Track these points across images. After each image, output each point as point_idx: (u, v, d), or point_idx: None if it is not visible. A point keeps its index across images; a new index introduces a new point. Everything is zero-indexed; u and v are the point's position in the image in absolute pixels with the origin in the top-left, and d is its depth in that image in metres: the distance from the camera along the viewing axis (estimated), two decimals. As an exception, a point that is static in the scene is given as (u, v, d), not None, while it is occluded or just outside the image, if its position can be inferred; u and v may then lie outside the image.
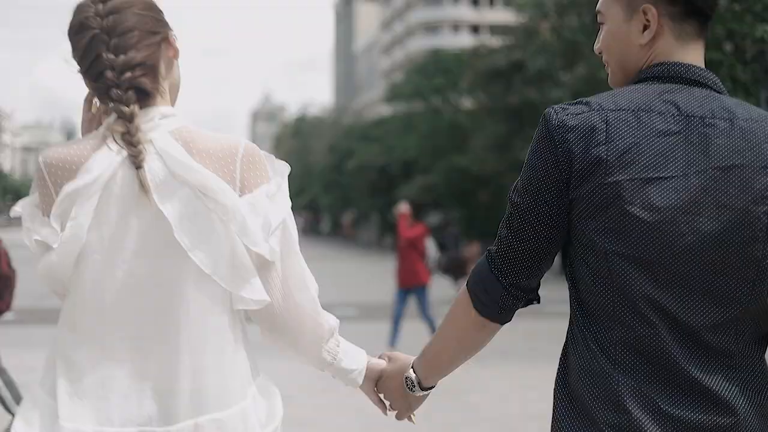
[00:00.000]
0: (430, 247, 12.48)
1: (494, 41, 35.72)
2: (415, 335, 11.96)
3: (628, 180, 1.86)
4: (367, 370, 2.36)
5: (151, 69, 2.04)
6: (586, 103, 1.94)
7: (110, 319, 2.01)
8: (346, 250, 48.79)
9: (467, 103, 42.38)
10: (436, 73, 45.34)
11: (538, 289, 2.07)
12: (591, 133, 1.89)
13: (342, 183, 56.12)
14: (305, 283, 2.16)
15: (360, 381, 2.35)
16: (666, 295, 1.88)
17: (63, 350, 2.04)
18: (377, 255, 43.76)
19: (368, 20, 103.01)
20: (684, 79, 1.98)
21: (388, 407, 2.42)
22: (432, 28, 77.66)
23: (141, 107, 2.03)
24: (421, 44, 72.20)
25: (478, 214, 39.60)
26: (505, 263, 2.01)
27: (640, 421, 1.86)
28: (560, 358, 2.03)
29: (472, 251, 21.35)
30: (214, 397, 2.03)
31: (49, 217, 2.02)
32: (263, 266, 2.07)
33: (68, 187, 2.00)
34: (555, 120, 1.93)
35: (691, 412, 1.87)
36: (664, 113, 1.91)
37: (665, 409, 1.87)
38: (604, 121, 1.90)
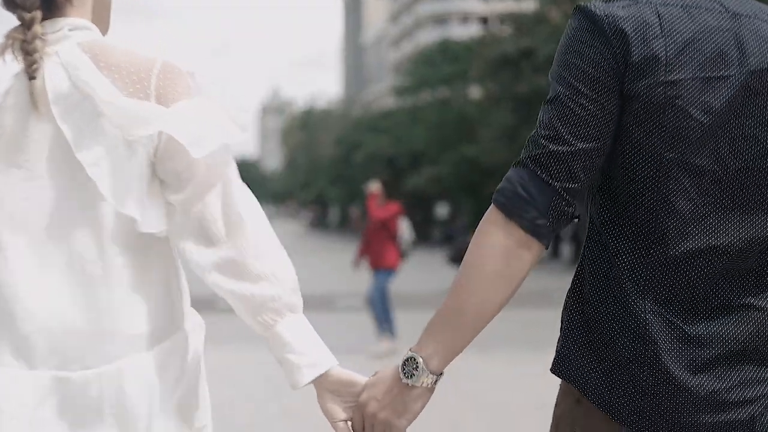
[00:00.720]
0: (404, 227, 11.62)
1: (504, 28, 35.51)
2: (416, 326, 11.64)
3: (689, 79, 1.75)
4: (331, 377, 1.91)
5: None
6: None
7: (9, 250, 1.84)
8: (354, 243, 48.69)
9: (476, 92, 42.30)
10: (444, 62, 45.26)
11: None
12: (645, 25, 1.76)
13: (349, 176, 56.11)
14: (242, 208, 1.89)
15: (307, 378, 1.90)
16: (714, 209, 1.78)
17: None
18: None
19: (377, 13, 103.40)
20: None
21: None
22: (441, 20, 77.92)
23: (49, 17, 1.89)
24: (430, 36, 72.35)
25: (487, 205, 39.22)
26: (557, 163, 1.76)
27: (665, 351, 1.76)
28: (573, 281, 1.88)
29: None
30: (137, 338, 1.86)
31: None
32: (184, 182, 1.86)
33: None
34: (600, 10, 1.78)
35: (723, 327, 1.78)
36: (711, 10, 1.81)
37: (692, 333, 1.77)
38: (655, 14, 1.78)
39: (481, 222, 1.83)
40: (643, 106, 1.75)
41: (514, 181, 1.79)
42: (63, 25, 1.88)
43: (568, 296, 1.88)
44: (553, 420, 1.91)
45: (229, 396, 7.65)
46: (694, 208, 1.77)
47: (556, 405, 1.90)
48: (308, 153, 69.07)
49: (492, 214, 1.82)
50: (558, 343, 1.87)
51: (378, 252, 11.19)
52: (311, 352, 1.91)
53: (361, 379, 1.93)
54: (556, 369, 1.86)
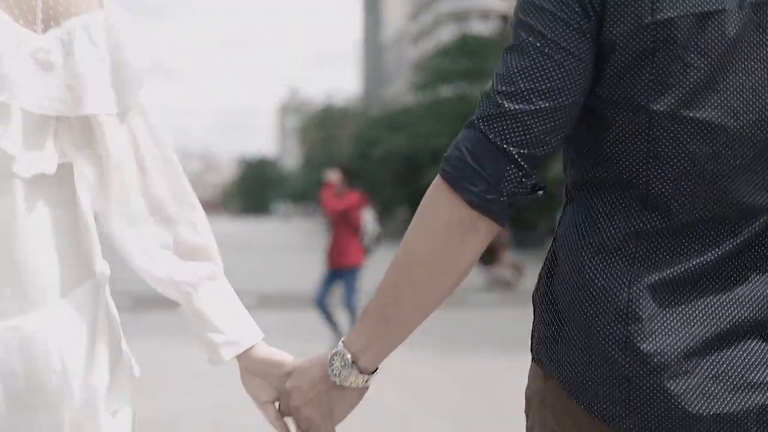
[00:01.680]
0: (368, 219, 10.36)
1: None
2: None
3: (681, 17, 1.53)
4: (253, 356, 1.78)
5: None
6: None
7: None
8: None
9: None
10: (462, 57, 45.66)
11: None
12: None
13: (367, 173, 56.22)
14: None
15: (226, 356, 1.77)
16: (723, 171, 1.56)
17: None
18: (396, 247, 44.43)
19: (396, 11, 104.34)
20: None
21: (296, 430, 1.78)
22: (461, 17, 78.78)
23: None
24: (449, 34, 72.72)
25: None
26: (514, 124, 1.54)
27: (655, 332, 1.54)
28: (546, 258, 1.69)
29: (502, 234, 20.16)
30: (47, 286, 1.66)
31: None
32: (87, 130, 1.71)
33: None
34: None
35: (729, 303, 1.56)
36: None
37: (690, 310, 1.56)
38: None
39: (424, 195, 1.60)
40: (627, 53, 1.54)
41: (462, 146, 1.57)
42: None
43: (540, 275, 1.71)
44: (525, 402, 1.74)
45: (229, 397, 7.10)
46: (699, 171, 1.57)
47: (526, 386, 1.73)
48: (326, 150, 69.50)
49: (436, 186, 1.58)
50: (532, 329, 1.72)
51: (340, 249, 9.89)
52: (230, 328, 1.77)
53: (291, 360, 1.79)
54: (533, 354, 1.71)
